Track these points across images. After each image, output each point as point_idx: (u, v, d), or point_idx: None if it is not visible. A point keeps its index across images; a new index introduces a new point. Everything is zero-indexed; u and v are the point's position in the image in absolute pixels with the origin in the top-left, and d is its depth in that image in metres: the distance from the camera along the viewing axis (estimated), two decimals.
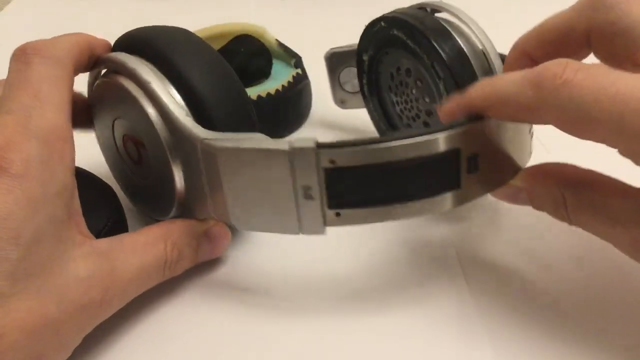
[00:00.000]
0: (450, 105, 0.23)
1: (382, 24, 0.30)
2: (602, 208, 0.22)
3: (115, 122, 0.26)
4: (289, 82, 0.37)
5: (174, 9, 0.59)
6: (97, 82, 0.26)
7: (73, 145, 0.22)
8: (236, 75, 0.25)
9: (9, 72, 0.22)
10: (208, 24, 0.40)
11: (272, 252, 0.28)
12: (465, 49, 0.28)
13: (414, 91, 0.31)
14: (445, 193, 0.23)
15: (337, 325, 0.25)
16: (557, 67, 0.20)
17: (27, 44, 0.23)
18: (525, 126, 0.25)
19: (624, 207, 0.21)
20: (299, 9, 0.61)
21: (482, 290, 0.27)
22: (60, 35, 0.24)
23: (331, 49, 0.35)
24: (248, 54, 0.38)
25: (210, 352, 0.24)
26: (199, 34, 0.39)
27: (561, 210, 0.23)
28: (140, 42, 0.25)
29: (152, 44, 0.24)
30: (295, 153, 0.21)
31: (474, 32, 0.28)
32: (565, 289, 0.27)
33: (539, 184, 0.24)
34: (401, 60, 0.31)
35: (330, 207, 0.22)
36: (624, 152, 0.20)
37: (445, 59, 0.27)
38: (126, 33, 0.26)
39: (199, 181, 0.24)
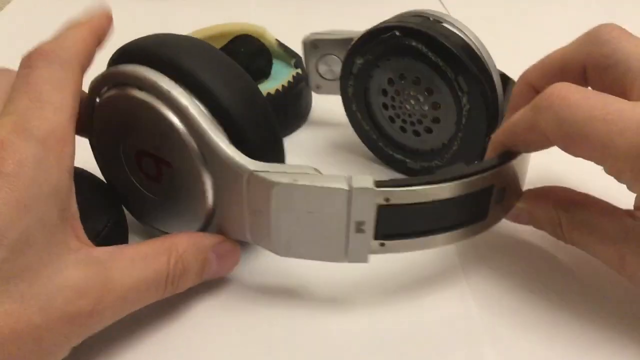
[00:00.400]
0: (489, 153, 0.26)
1: (397, 32, 0.30)
2: (593, 227, 0.24)
3: (128, 137, 0.25)
4: (289, 82, 0.37)
5: (174, 9, 0.59)
6: (108, 94, 0.25)
7: (73, 147, 0.21)
8: (261, 93, 0.25)
9: (15, 77, 0.22)
10: (208, 24, 0.40)
11: (272, 263, 0.28)
12: (488, 66, 0.30)
13: (420, 99, 0.32)
14: (475, 223, 0.25)
15: (339, 326, 0.25)
16: (555, 88, 0.22)
17: (34, 49, 0.22)
18: (530, 158, 0.27)
19: (612, 225, 0.24)
20: (299, 9, 0.61)
21: (484, 291, 0.27)
22: (66, 32, 0.23)
23: (312, 34, 0.35)
24: (248, 54, 0.38)
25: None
26: (199, 34, 0.39)
27: (557, 230, 0.26)
28: (161, 56, 0.23)
29: (177, 60, 0.23)
30: (353, 192, 0.22)
31: (478, 48, 0.30)
32: (569, 288, 0.27)
33: (537, 206, 0.26)
34: (408, 69, 0.31)
35: (376, 238, 0.23)
36: (609, 170, 0.22)
37: (474, 74, 0.29)
38: (137, 42, 0.25)
39: (237, 206, 0.24)
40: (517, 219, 0.27)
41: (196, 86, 0.23)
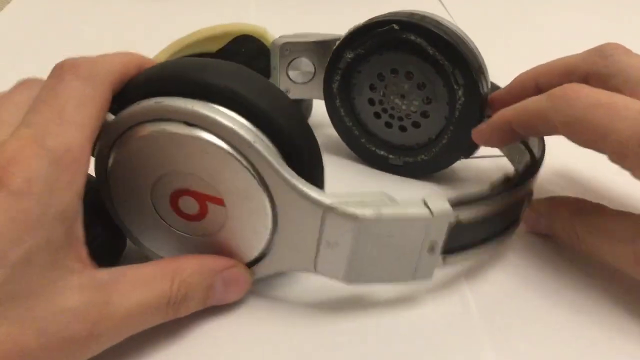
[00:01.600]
0: (483, 127, 0.29)
1: (395, 26, 0.30)
2: (607, 229, 0.25)
3: (164, 177, 0.23)
4: None
5: (174, 8, 0.59)
6: (141, 131, 0.22)
7: (87, 169, 0.20)
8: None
9: (42, 87, 0.21)
10: (208, 24, 0.40)
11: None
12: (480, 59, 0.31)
13: (411, 93, 0.32)
14: (513, 226, 0.27)
15: (343, 328, 0.25)
16: (570, 84, 0.24)
17: (66, 60, 0.22)
18: None
19: (624, 226, 0.25)
20: (299, 9, 0.61)
21: (484, 292, 0.27)
22: (109, 53, 0.23)
23: (281, 37, 0.35)
24: (248, 54, 0.38)
25: None
26: (199, 34, 0.39)
27: (572, 237, 0.26)
28: (211, 85, 0.21)
29: (232, 88, 0.21)
30: (434, 217, 0.22)
31: (471, 42, 0.31)
32: (568, 289, 0.27)
33: (554, 215, 0.28)
34: (401, 63, 0.31)
35: (441, 253, 0.24)
36: (611, 156, 0.23)
37: (470, 67, 0.29)
38: (165, 71, 0.22)
39: (305, 240, 0.23)
40: (534, 228, 0.29)
41: (255, 116, 0.22)
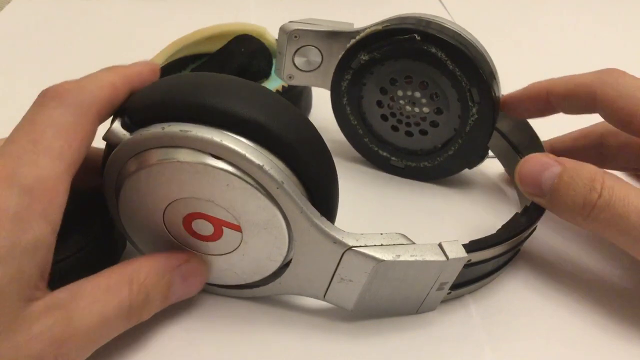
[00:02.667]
0: (516, 93, 0.30)
1: (417, 37, 0.29)
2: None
3: (180, 200, 0.22)
4: None
5: (174, 8, 0.59)
6: (166, 157, 0.21)
7: (64, 199, 0.20)
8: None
9: (25, 114, 0.20)
10: (208, 24, 0.40)
11: None
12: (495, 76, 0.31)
13: (423, 102, 0.32)
14: (515, 255, 0.28)
15: (344, 329, 0.25)
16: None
17: (53, 86, 0.21)
18: None
19: None
20: (299, 9, 0.61)
21: (483, 293, 0.27)
22: (97, 74, 0.22)
23: (291, 23, 0.34)
24: (248, 54, 0.38)
25: None
26: (199, 34, 0.39)
27: (594, 194, 0.24)
28: (243, 120, 0.21)
29: (264, 125, 0.21)
30: (449, 262, 0.22)
31: (490, 59, 0.30)
32: (567, 290, 0.27)
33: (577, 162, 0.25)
34: (416, 72, 0.31)
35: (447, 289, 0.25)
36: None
37: (488, 88, 0.29)
38: (196, 92, 0.21)
39: (320, 274, 0.23)
40: (542, 169, 0.25)
41: (285, 153, 0.21)
